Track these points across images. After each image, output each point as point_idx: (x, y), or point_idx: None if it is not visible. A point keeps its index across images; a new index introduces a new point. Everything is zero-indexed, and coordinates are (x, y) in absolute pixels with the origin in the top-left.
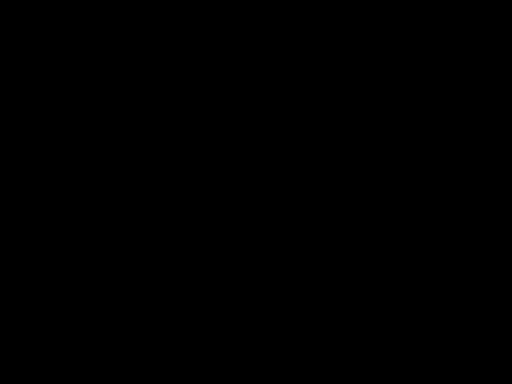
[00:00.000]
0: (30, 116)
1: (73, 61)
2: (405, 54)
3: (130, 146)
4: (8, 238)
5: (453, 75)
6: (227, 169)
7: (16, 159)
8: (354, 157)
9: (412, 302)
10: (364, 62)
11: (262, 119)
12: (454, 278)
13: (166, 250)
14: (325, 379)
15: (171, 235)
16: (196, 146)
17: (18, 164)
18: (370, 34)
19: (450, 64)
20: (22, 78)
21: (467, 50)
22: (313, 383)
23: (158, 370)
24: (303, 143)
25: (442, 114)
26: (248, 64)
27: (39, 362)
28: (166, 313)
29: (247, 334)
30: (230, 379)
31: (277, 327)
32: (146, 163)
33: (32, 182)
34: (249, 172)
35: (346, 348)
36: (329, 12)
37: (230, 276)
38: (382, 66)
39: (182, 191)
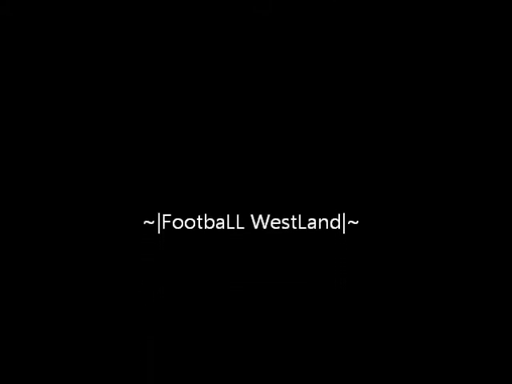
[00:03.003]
0: (28, 116)
1: (70, 60)
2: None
3: (128, 144)
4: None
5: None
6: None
7: (15, 159)
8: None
9: (411, 302)
10: None
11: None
12: (454, 278)
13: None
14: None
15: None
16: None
17: (17, 163)
18: None
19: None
20: (21, 77)
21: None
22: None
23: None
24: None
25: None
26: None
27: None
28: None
29: (246, 333)
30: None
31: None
32: (144, 161)
33: (31, 180)
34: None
35: (346, 348)
36: None
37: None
38: None
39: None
